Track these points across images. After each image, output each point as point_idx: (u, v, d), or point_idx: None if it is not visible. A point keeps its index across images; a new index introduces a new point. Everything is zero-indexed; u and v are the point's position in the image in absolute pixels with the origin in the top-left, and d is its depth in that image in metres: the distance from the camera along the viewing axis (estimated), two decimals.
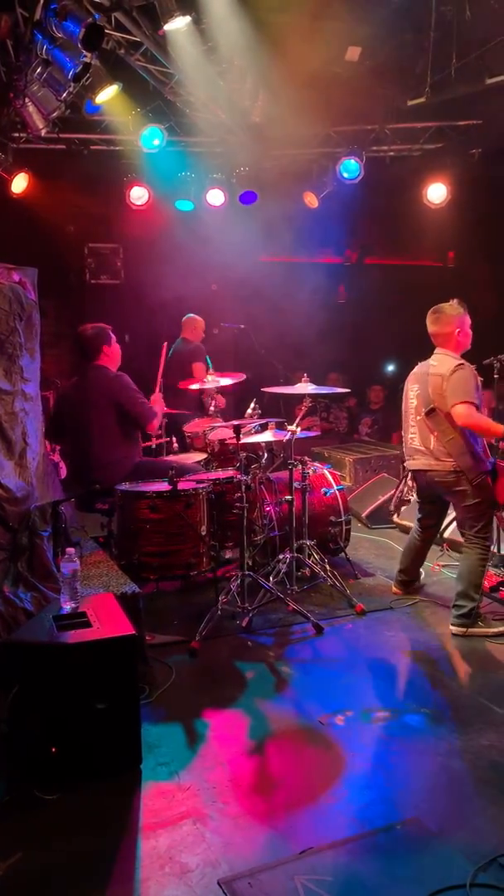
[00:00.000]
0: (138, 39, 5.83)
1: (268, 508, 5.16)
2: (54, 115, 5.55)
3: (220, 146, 7.92)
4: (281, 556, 4.91)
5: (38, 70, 5.05)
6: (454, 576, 5.28)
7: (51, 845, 2.58)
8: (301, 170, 8.35)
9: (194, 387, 5.98)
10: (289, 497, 4.88)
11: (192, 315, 7.45)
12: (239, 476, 4.48)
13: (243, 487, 4.43)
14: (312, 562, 4.96)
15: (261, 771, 3.07)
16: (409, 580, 4.95)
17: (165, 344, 5.98)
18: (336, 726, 3.35)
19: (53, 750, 2.86)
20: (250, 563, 4.71)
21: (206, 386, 5.64)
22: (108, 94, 6.02)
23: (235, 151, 7.92)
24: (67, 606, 3.22)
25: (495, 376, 5.48)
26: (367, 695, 3.67)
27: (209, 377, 5.44)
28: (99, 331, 4.99)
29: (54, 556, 3.73)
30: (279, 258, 9.29)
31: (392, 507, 6.47)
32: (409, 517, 6.15)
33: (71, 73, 4.79)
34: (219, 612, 4.33)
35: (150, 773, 2.97)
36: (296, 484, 4.94)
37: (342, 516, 5.43)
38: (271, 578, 4.79)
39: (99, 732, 2.93)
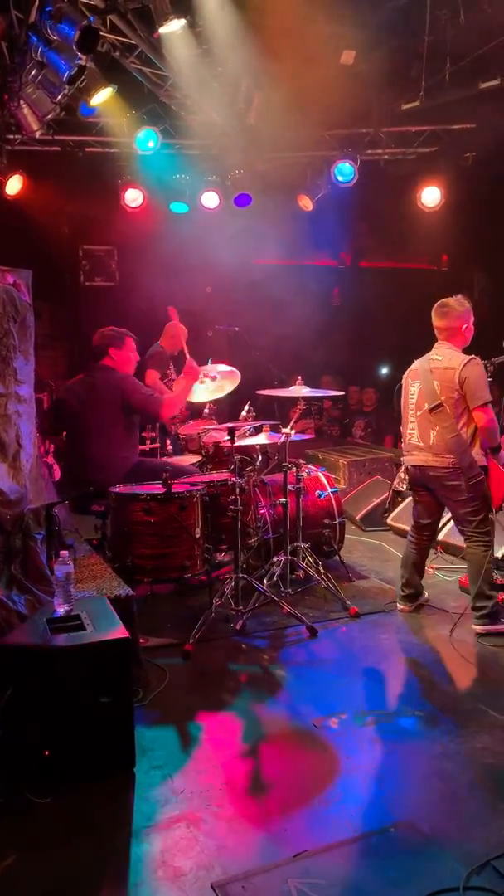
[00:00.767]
0: (133, 42, 5.83)
1: (262, 511, 5.16)
2: (49, 116, 5.54)
3: (214, 149, 7.93)
4: (275, 559, 4.91)
5: (33, 72, 5.05)
6: (448, 578, 5.30)
7: (44, 849, 2.57)
8: (295, 173, 8.36)
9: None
10: (283, 500, 4.88)
11: (173, 322, 6.88)
12: (233, 478, 4.48)
13: (237, 490, 4.43)
14: (306, 564, 4.96)
15: (254, 774, 3.07)
16: (414, 594, 4.76)
17: (171, 309, 6.04)
18: (330, 729, 3.34)
19: (46, 753, 2.86)
20: (244, 566, 4.71)
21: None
22: (102, 97, 6.02)
23: (230, 154, 7.93)
24: (61, 609, 3.21)
25: (489, 379, 5.49)
26: (361, 698, 3.67)
27: (209, 366, 5.55)
28: (113, 334, 5.01)
29: (48, 558, 3.72)
30: (274, 261, 9.30)
31: (387, 505, 6.50)
32: (402, 520, 6.16)
33: (66, 75, 4.79)
34: (212, 614, 4.32)
35: (144, 776, 2.96)
36: (290, 486, 4.94)
37: (336, 519, 5.43)
38: (265, 581, 4.79)
39: (92, 735, 2.92)
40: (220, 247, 8.03)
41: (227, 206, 8.18)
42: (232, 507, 4.43)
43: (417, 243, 9.29)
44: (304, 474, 5.15)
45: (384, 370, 10.52)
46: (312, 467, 5.64)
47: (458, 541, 5.05)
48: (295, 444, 5.05)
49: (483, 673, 3.94)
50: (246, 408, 5.31)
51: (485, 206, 8.10)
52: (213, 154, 8.05)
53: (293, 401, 6.12)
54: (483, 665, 4.02)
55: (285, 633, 4.45)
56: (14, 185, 7.17)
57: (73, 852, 2.55)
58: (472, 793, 2.87)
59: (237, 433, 4.68)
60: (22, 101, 5.35)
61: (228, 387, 5.80)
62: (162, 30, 5.24)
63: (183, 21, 5.21)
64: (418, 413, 4.46)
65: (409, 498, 5.19)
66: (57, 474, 4.90)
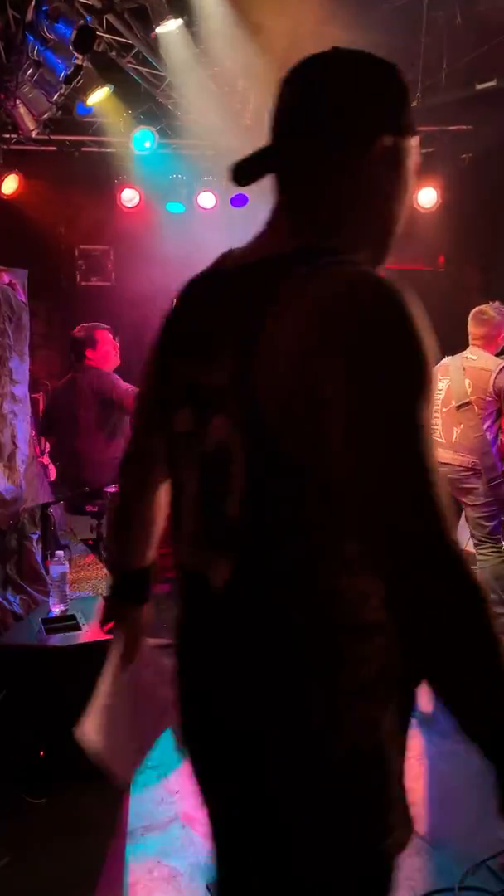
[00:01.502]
0: (130, 42, 5.83)
1: None
2: (45, 116, 5.55)
3: (211, 149, 7.92)
4: None
5: (30, 71, 5.04)
6: None
7: (38, 849, 2.56)
8: None
9: None
10: None
11: None
12: None
13: None
14: None
15: None
16: None
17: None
18: None
19: (41, 753, 2.85)
20: None
21: None
22: (99, 96, 6.01)
23: (227, 154, 7.91)
24: (56, 609, 3.21)
25: None
26: None
27: None
28: (85, 335, 4.99)
29: (43, 558, 3.72)
30: None
31: None
32: None
33: (62, 74, 4.79)
34: None
35: (139, 776, 2.96)
36: None
37: None
38: None
39: None
40: (216, 247, 7.98)
41: (224, 206, 8.17)
42: None
43: (414, 244, 9.27)
44: None
45: None
46: None
47: (469, 546, 4.95)
48: None
49: None
50: None
51: (482, 207, 8.11)
52: (210, 154, 8.05)
53: None
54: None
55: None
56: (10, 184, 7.16)
57: (67, 853, 2.54)
58: (466, 793, 2.87)
59: None
60: (18, 101, 5.34)
61: None
62: (159, 30, 5.24)
63: (180, 21, 5.20)
64: (444, 409, 4.40)
65: None
66: (52, 474, 4.90)
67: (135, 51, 6.06)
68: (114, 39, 5.92)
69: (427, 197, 7.93)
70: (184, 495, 1.21)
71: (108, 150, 7.72)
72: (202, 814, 1.33)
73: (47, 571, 3.54)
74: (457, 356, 4.46)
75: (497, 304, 4.52)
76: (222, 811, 1.28)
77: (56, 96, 5.22)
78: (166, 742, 3.25)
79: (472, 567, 0.93)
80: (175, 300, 1.35)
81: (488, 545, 4.33)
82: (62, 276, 8.96)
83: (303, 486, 1.01)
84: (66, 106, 6.17)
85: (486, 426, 4.25)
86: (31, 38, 4.69)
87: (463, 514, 4.49)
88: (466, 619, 0.92)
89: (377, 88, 1.17)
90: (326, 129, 1.15)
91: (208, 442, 1.11)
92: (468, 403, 4.26)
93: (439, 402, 4.47)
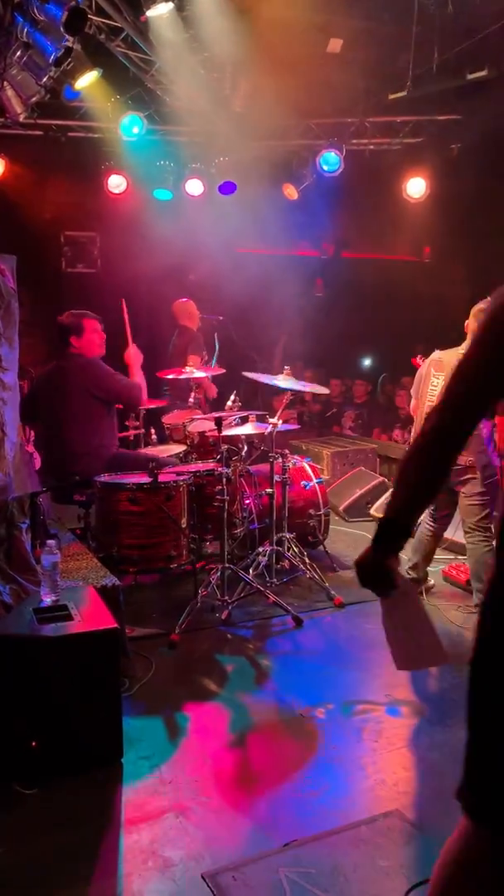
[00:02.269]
0: (119, 25, 5.75)
1: (247, 501, 5.15)
2: (34, 99, 5.45)
3: (199, 135, 7.85)
4: (261, 549, 4.90)
5: (18, 53, 4.93)
6: (435, 570, 5.32)
7: (32, 840, 2.55)
8: (281, 161, 8.29)
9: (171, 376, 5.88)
10: (269, 490, 4.87)
11: (184, 300, 7.11)
12: (220, 468, 4.46)
13: (224, 480, 4.41)
14: (292, 554, 4.95)
15: (242, 764, 3.07)
16: (416, 578, 4.68)
17: (123, 300, 5.61)
18: (317, 719, 3.35)
19: (34, 744, 2.83)
20: (229, 556, 4.70)
21: (192, 375, 5.51)
22: (87, 80, 5.94)
23: (215, 141, 7.86)
24: (48, 599, 3.18)
25: None
26: (347, 688, 3.68)
27: (188, 367, 5.42)
28: (71, 321, 4.92)
29: (32, 548, 3.68)
30: (257, 250, 9.24)
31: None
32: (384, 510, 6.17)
33: (52, 57, 4.70)
34: (198, 604, 4.31)
35: (132, 766, 2.95)
36: (276, 477, 4.93)
37: (321, 509, 5.44)
38: (251, 571, 4.78)
39: (80, 726, 2.90)
40: (203, 234, 7.97)
41: (212, 193, 8.11)
42: (219, 497, 4.40)
43: (401, 235, 9.28)
44: (290, 465, 5.14)
45: (367, 362, 10.52)
46: (298, 458, 5.63)
47: (461, 537, 4.95)
48: (279, 433, 5.03)
49: (469, 663, 3.96)
50: (232, 397, 5.27)
51: (470, 197, 8.11)
52: (198, 141, 7.98)
53: (274, 390, 6.08)
54: (468, 655, 4.04)
55: (271, 623, 4.45)
56: None
57: (61, 844, 2.53)
58: (457, 782, 2.88)
59: (224, 423, 4.65)
60: (6, 83, 5.24)
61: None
62: (149, 13, 5.19)
63: (170, 5, 5.15)
64: None
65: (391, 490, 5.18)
66: (37, 463, 4.85)
67: (124, 34, 5.98)
68: (102, 22, 5.84)
69: (415, 187, 7.91)
70: None
71: (96, 135, 7.62)
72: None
73: (37, 561, 3.51)
74: (451, 351, 4.46)
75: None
76: None
77: (45, 79, 5.12)
78: (158, 733, 3.24)
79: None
80: None
81: (478, 533, 4.37)
82: (47, 262, 8.85)
83: None
84: (53, 90, 6.07)
85: (481, 423, 4.26)
86: (21, 18, 4.59)
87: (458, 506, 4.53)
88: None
89: None
90: None
91: None
92: None
93: (434, 397, 4.49)
